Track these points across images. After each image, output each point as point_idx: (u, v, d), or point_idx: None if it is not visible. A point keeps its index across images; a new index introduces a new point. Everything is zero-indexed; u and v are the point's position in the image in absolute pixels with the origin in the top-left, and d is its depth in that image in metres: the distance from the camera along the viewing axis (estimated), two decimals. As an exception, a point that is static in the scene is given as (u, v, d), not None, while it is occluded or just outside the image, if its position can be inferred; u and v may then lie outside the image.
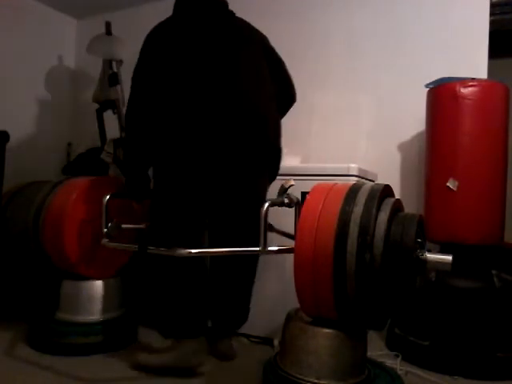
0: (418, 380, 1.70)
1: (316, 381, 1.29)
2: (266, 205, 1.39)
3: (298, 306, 1.37)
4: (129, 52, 2.71)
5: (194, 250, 1.42)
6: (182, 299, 1.73)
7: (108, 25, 2.68)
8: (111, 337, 1.95)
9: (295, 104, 2.66)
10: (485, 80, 2.09)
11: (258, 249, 1.39)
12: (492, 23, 2.30)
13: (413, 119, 2.37)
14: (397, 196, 1.43)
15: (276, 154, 1.85)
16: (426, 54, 2.39)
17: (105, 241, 1.67)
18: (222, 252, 1.48)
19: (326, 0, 2.65)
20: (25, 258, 2.22)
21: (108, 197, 1.72)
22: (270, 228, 1.59)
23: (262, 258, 2.06)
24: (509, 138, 1.96)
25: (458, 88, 1.89)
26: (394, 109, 2.46)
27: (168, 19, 1.74)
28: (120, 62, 2.64)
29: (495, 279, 1.86)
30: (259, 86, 1.73)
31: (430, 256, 1.27)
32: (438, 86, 2.02)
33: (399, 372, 1.68)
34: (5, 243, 2.19)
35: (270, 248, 1.40)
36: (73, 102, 3.39)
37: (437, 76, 2.08)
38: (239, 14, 1.86)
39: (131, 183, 1.79)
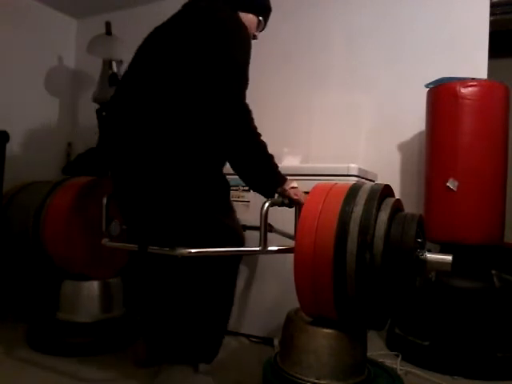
0: (418, 380, 1.70)
1: (316, 381, 1.29)
2: (267, 205, 1.39)
3: (298, 305, 1.37)
4: (129, 52, 2.72)
5: (193, 250, 1.43)
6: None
7: (108, 25, 2.68)
8: (111, 337, 1.95)
9: (295, 104, 2.67)
10: (485, 80, 2.09)
11: (258, 249, 1.39)
12: (492, 23, 2.30)
13: (413, 119, 2.37)
14: (397, 196, 1.43)
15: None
16: (426, 54, 2.39)
17: (105, 240, 1.67)
18: (222, 252, 1.48)
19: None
20: (25, 258, 2.22)
21: (108, 197, 1.72)
22: (270, 228, 1.59)
23: (261, 259, 2.07)
24: (509, 138, 1.96)
25: (458, 88, 1.89)
26: (394, 109, 2.46)
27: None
28: (120, 62, 2.64)
29: (495, 279, 1.86)
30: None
31: (429, 256, 1.27)
32: (438, 85, 2.02)
33: (399, 372, 1.68)
34: (5, 243, 2.19)
35: (269, 248, 1.40)
36: (73, 102, 3.39)
37: (437, 76, 2.08)
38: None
39: None
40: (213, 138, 1.46)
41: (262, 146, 1.46)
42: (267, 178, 1.48)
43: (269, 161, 1.47)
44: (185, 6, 1.62)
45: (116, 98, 1.59)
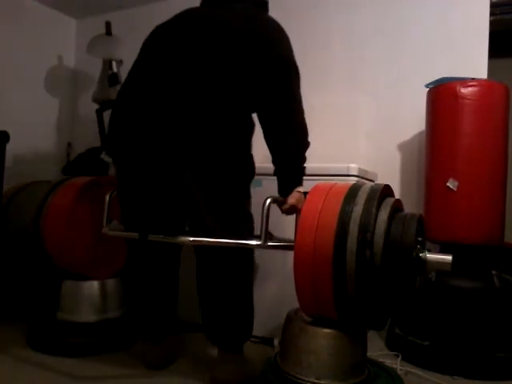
0: (418, 380, 1.70)
1: (316, 381, 1.29)
2: (268, 201, 1.40)
3: (297, 305, 1.37)
4: (129, 52, 2.72)
5: (192, 238, 1.45)
6: (147, 301, 1.74)
7: (108, 25, 2.68)
8: (111, 337, 1.95)
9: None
10: (485, 80, 2.09)
11: (258, 243, 1.39)
12: (492, 23, 2.30)
13: (413, 119, 2.37)
14: (397, 196, 1.43)
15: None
16: (426, 54, 2.39)
17: (105, 229, 1.68)
18: (221, 243, 1.48)
19: (326, 0, 2.65)
20: (25, 257, 2.22)
21: (111, 193, 1.73)
22: (270, 236, 1.59)
23: (261, 259, 2.06)
24: (509, 137, 1.96)
25: (458, 88, 1.89)
26: (393, 109, 2.46)
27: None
28: (120, 62, 2.64)
29: (495, 279, 1.86)
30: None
31: (430, 256, 1.27)
32: (438, 85, 2.02)
33: (399, 372, 1.68)
34: (5, 243, 2.19)
35: (269, 243, 1.40)
36: (73, 102, 3.39)
37: (437, 76, 2.08)
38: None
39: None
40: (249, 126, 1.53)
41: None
42: (295, 174, 1.55)
43: (303, 161, 1.57)
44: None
45: (139, 88, 1.54)
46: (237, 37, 1.49)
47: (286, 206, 1.53)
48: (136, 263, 1.76)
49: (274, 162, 1.57)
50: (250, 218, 1.61)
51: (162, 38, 1.60)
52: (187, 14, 1.64)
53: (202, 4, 1.70)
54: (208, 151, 1.45)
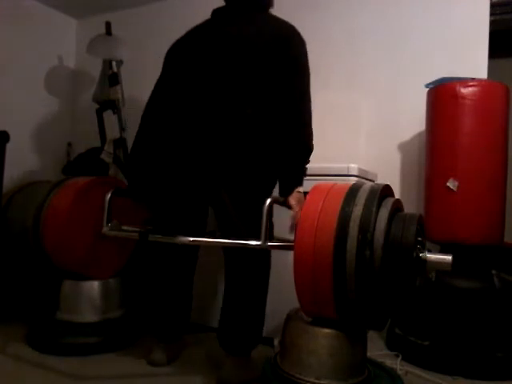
0: (418, 380, 1.70)
1: (316, 381, 1.29)
2: (269, 201, 1.40)
3: (298, 306, 1.37)
4: (129, 52, 2.72)
5: (191, 238, 1.47)
6: (165, 299, 1.78)
7: (108, 25, 2.68)
8: (111, 337, 1.95)
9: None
10: (485, 80, 2.09)
11: (258, 243, 1.39)
12: (492, 23, 2.30)
13: (413, 119, 2.37)
14: (397, 196, 1.43)
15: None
16: (425, 54, 2.39)
17: (105, 229, 1.69)
18: (222, 243, 1.50)
19: (326, 0, 2.65)
20: (25, 258, 2.22)
21: (111, 193, 1.73)
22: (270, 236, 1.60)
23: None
24: (509, 137, 1.96)
25: (458, 88, 1.89)
26: (393, 109, 2.46)
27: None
28: (120, 62, 2.64)
29: (495, 279, 1.86)
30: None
31: (430, 256, 1.27)
32: (438, 85, 2.02)
33: (399, 372, 1.68)
34: (5, 243, 2.19)
35: (269, 243, 1.41)
36: (73, 102, 3.39)
37: (437, 76, 2.08)
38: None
39: (132, 182, 1.82)
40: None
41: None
42: (297, 174, 1.60)
43: (306, 162, 1.64)
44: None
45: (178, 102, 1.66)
46: (260, 51, 1.61)
47: (297, 213, 1.53)
48: (156, 263, 1.81)
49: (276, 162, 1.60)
50: (271, 224, 1.65)
51: (190, 57, 1.69)
52: (207, 31, 1.71)
53: (214, 14, 1.76)
54: (240, 165, 1.56)
